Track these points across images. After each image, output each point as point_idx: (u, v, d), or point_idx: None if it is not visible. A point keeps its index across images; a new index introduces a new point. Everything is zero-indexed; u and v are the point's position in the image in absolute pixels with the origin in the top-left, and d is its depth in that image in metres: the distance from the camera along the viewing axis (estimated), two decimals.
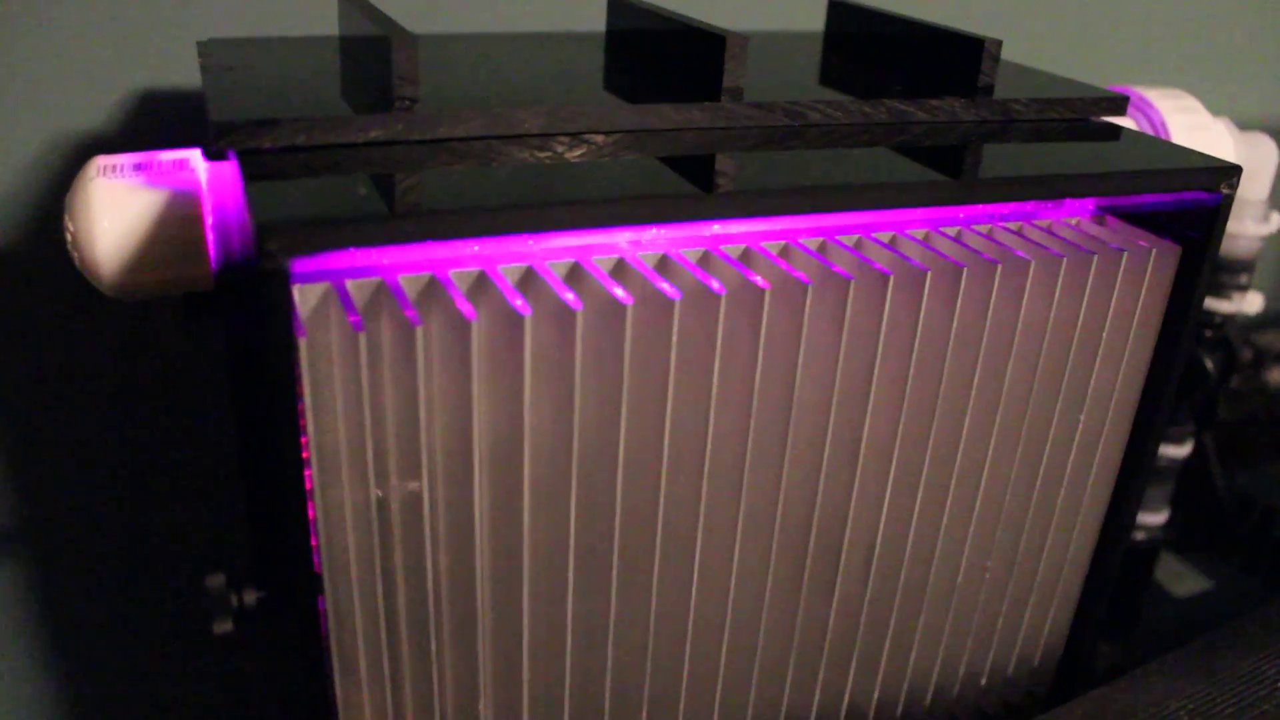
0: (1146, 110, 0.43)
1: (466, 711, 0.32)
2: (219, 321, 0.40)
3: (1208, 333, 0.51)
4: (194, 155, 0.32)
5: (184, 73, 0.42)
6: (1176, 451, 0.54)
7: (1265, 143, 0.48)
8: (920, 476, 0.35)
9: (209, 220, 0.31)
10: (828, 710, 0.38)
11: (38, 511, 0.46)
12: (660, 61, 0.37)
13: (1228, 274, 0.50)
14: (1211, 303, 0.50)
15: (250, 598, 0.28)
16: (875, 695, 0.38)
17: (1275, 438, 0.69)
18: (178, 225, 0.30)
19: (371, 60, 0.31)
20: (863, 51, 0.42)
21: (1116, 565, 0.41)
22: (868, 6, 0.42)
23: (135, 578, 0.49)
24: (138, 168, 0.31)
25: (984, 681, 0.41)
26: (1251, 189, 0.48)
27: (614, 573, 0.31)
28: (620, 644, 0.33)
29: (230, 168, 0.31)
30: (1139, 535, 0.55)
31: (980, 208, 0.35)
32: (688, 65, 0.34)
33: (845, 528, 0.34)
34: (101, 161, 0.31)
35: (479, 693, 0.31)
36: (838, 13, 0.44)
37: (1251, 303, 0.51)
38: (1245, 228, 0.49)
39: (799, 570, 0.34)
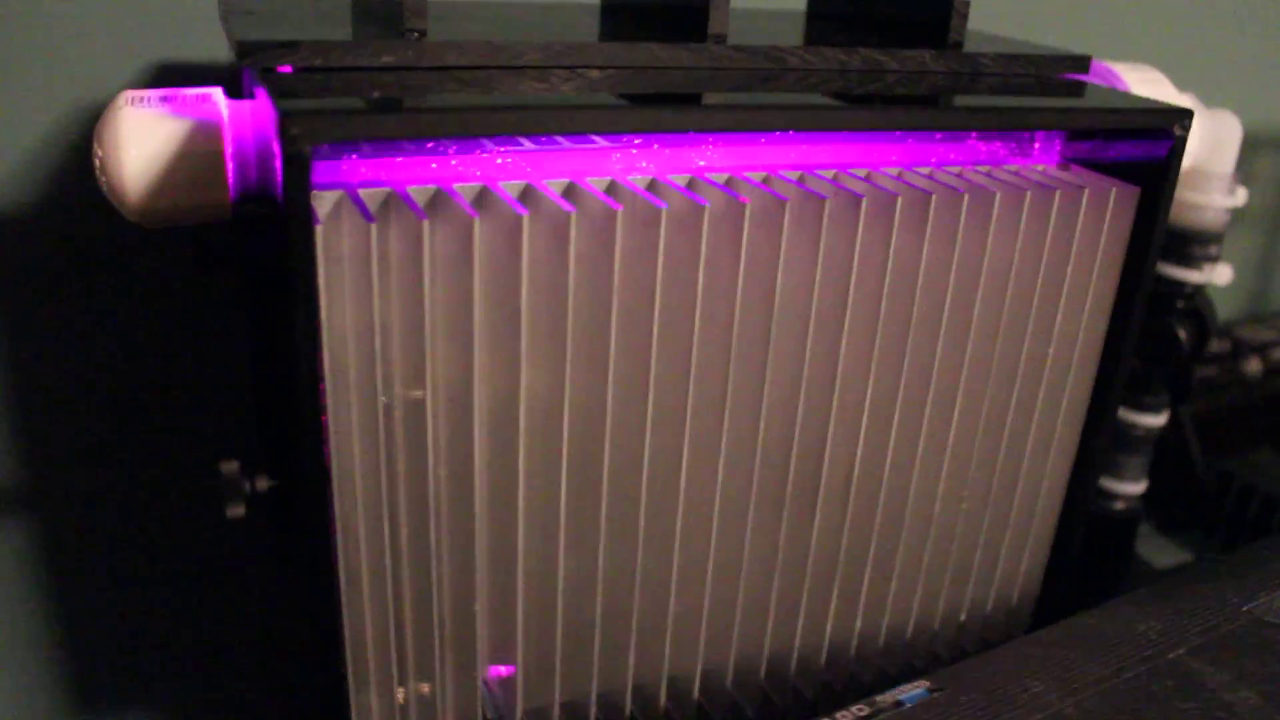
0: (1112, 81, 0.46)
1: (463, 618, 0.34)
2: (230, 271, 0.42)
3: (1179, 303, 0.53)
4: (216, 92, 0.34)
5: (203, 47, 0.45)
6: (1153, 421, 0.56)
7: (1229, 119, 0.50)
8: (896, 403, 0.37)
9: (229, 150, 0.33)
10: (810, 643, 0.40)
11: (39, 444, 0.48)
12: (651, 19, 0.39)
13: (1197, 245, 0.52)
14: (1182, 273, 0.52)
15: (262, 484, 0.30)
16: (857, 625, 0.40)
17: (1254, 426, 0.71)
18: (200, 154, 0.32)
19: (382, 2, 0.34)
20: (840, 19, 0.45)
21: (1089, 505, 0.42)
22: None
23: (136, 502, 0.50)
24: (164, 100, 0.33)
25: (963, 617, 0.42)
26: (1217, 162, 0.50)
27: (604, 482, 0.33)
28: (611, 556, 0.35)
29: (250, 105, 0.33)
30: (1118, 504, 0.57)
31: (951, 153, 0.38)
32: (677, 18, 0.37)
33: (825, 449, 0.36)
34: (130, 94, 0.33)
35: (474, 594, 0.33)
36: None
37: (1221, 274, 0.53)
38: (1213, 200, 0.51)
39: (780, 492, 0.36)
